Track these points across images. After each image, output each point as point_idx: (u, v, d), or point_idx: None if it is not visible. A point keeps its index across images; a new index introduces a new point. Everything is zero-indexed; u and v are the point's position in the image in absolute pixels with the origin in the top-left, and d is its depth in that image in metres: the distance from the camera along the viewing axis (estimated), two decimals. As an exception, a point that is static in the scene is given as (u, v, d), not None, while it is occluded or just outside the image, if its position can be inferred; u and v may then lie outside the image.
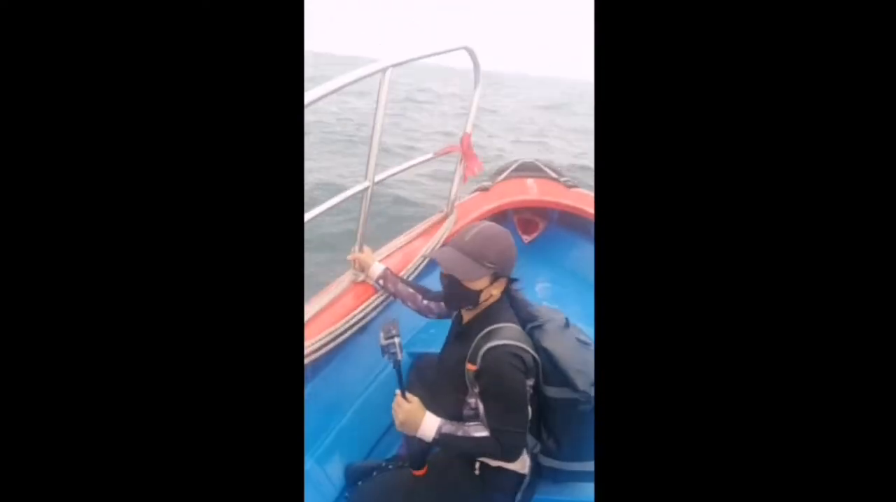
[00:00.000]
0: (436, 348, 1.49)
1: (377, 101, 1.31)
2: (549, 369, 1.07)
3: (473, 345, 1.06)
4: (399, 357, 1.07)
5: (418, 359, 1.47)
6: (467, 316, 1.16)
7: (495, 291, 1.12)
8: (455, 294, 1.11)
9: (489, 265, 1.07)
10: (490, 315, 1.10)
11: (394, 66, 1.29)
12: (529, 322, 1.14)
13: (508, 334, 1.05)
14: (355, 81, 1.16)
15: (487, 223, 1.14)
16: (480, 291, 1.10)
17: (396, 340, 1.07)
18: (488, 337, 1.05)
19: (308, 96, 0.99)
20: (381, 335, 1.09)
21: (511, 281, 1.14)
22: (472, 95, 1.73)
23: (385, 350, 1.07)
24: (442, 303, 1.35)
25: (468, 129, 1.78)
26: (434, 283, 1.46)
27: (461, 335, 1.14)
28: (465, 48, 1.60)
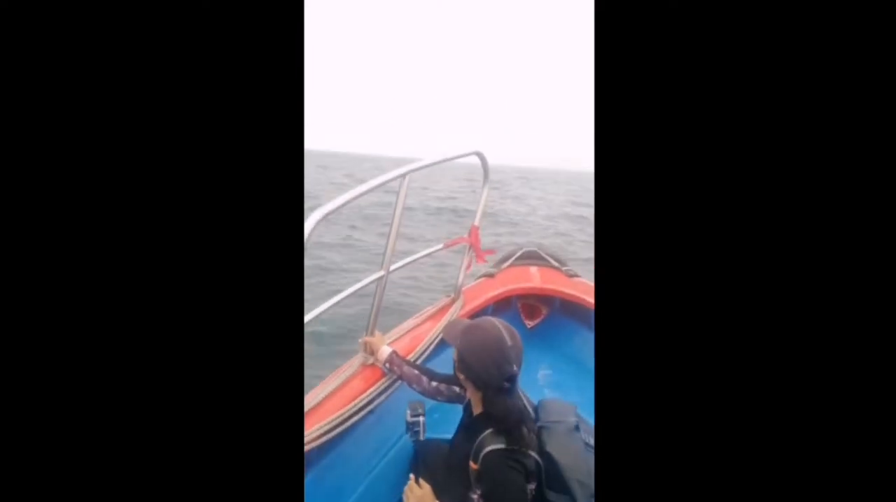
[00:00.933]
0: (439, 433, 1.53)
1: (396, 202, 1.46)
2: (552, 474, 1.07)
3: (477, 442, 1.08)
4: (421, 436, 1.11)
5: (423, 445, 1.50)
6: (476, 408, 1.18)
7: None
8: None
9: (464, 372, 1.14)
10: (496, 412, 1.11)
11: (412, 171, 1.46)
12: (538, 420, 1.15)
13: (511, 437, 1.06)
14: (379, 186, 1.32)
15: (470, 340, 1.14)
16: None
17: (422, 419, 1.11)
18: (491, 437, 1.07)
19: (331, 204, 1.13)
20: (408, 412, 1.13)
21: (501, 388, 1.12)
22: (481, 193, 1.91)
23: (410, 427, 1.12)
24: (452, 386, 1.41)
25: (476, 223, 1.94)
26: (442, 365, 1.53)
27: (469, 428, 1.16)
28: (477, 153, 1.80)
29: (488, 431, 1.08)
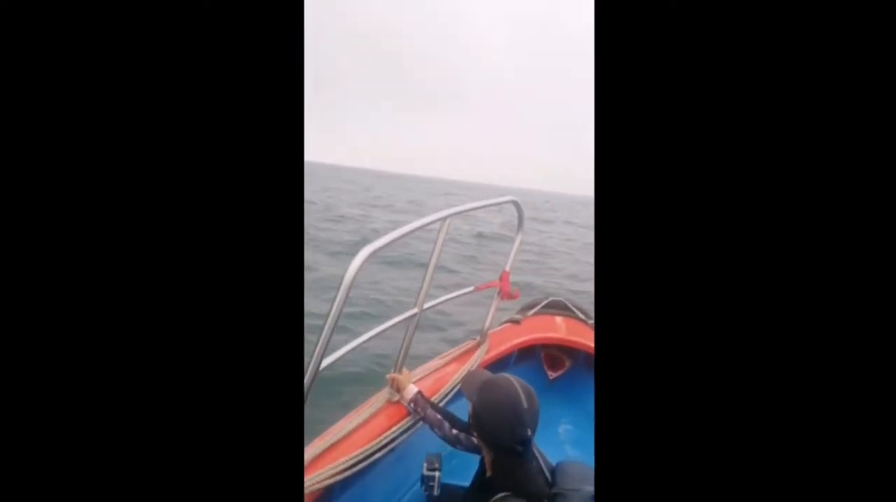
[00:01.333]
0: (457, 480, 1.51)
1: (435, 242, 1.51)
2: None
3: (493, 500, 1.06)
4: (436, 491, 1.12)
5: (440, 492, 1.48)
6: (489, 469, 1.15)
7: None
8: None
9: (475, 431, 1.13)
10: (509, 474, 1.09)
11: (453, 214, 1.51)
12: (554, 485, 1.12)
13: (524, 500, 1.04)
14: (419, 228, 1.37)
15: (486, 398, 1.12)
16: None
17: (437, 474, 1.12)
18: (508, 499, 1.04)
19: (378, 242, 1.16)
20: (424, 465, 1.14)
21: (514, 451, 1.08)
22: (515, 240, 1.95)
23: (424, 480, 1.12)
24: (471, 437, 1.39)
25: (507, 268, 1.97)
26: (464, 409, 1.52)
27: (482, 488, 1.14)
28: (513, 202, 1.85)
29: (499, 496, 1.06)
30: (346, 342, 1.29)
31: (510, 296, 1.97)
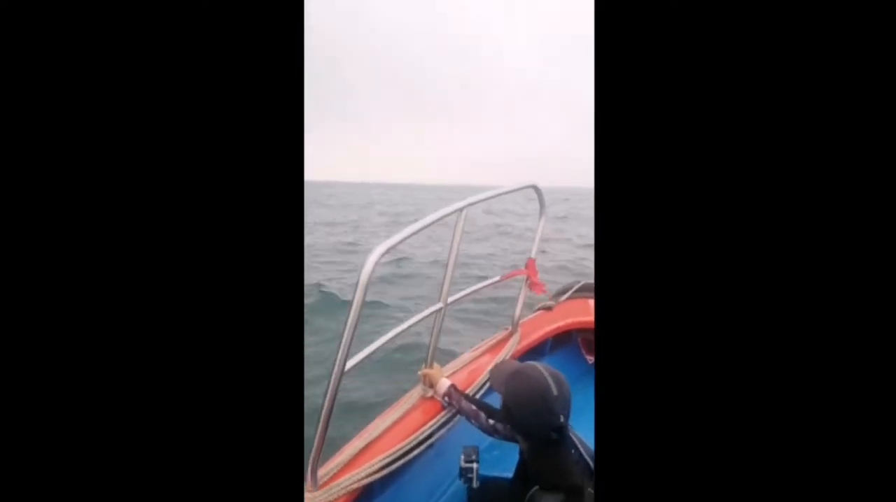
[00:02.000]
0: (498, 471, 1.50)
1: (453, 234, 1.49)
2: None
3: (528, 497, 1.05)
4: (474, 484, 1.12)
5: (482, 484, 1.47)
6: (527, 459, 1.14)
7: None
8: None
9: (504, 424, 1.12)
10: (547, 463, 1.07)
11: (470, 205, 1.49)
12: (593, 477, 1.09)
13: (562, 495, 1.02)
14: (436, 221, 1.35)
15: (514, 389, 1.11)
16: None
17: (475, 466, 1.12)
18: (540, 494, 1.03)
19: (392, 240, 1.15)
20: (462, 457, 1.14)
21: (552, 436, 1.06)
22: (538, 226, 1.91)
23: (463, 473, 1.13)
24: (508, 426, 1.38)
25: (533, 255, 1.93)
26: (499, 401, 1.51)
27: (524, 479, 1.13)
28: (533, 187, 1.81)
29: (535, 488, 1.04)
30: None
31: (537, 286, 1.93)
